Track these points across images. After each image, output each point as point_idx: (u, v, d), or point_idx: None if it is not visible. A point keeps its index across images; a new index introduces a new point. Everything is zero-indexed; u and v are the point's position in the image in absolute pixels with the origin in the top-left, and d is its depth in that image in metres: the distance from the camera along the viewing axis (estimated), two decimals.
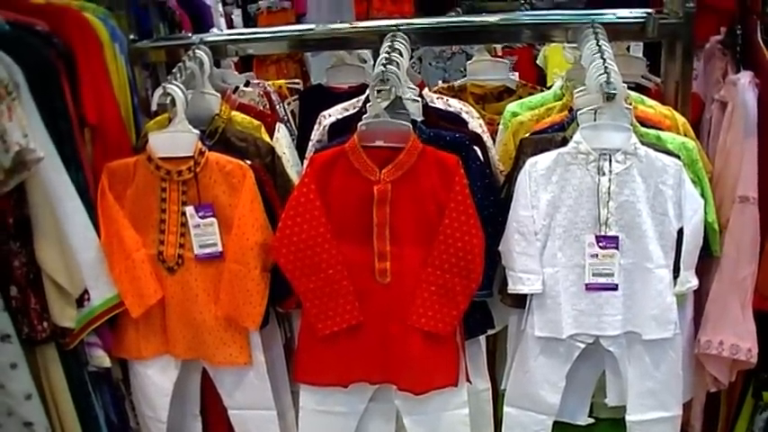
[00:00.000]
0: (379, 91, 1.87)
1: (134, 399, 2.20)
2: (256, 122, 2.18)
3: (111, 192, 2.02)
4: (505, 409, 2.12)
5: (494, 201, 2.02)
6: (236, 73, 2.67)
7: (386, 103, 1.90)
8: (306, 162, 2.05)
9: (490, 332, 2.16)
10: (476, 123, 2.11)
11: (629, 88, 2.03)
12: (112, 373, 2.17)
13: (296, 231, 1.94)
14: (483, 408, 2.18)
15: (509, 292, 1.99)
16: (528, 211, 1.93)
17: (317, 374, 2.07)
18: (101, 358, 2.05)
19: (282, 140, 2.20)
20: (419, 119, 2.02)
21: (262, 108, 2.50)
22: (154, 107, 2.02)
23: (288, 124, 2.53)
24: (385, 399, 2.10)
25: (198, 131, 2.00)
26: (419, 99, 2.02)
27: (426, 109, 2.05)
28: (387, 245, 1.95)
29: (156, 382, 2.14)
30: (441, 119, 2.07)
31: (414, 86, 2.07)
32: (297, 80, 3.27)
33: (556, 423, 2.12)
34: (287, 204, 1.96)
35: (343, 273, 1.96)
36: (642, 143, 1.90)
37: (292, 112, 2.64)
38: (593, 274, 1.93)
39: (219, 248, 2.01)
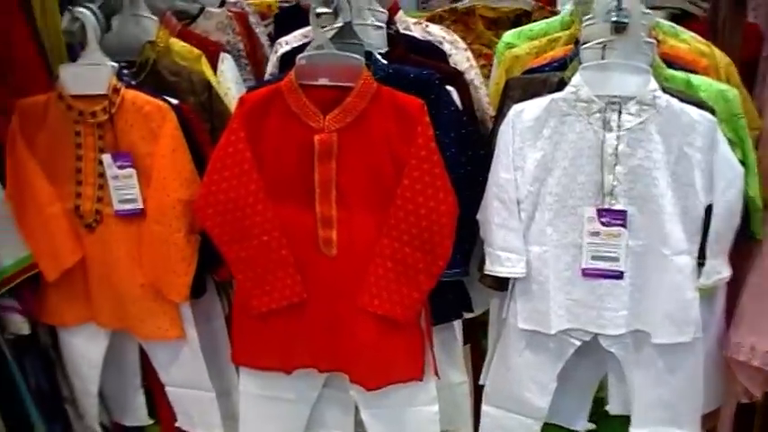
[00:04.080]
0: (318, 14, 1.47)
1: (66, 367, 1.94)
2: (196, 51, 1.80)
3: (23, 135, 1.70)
4: (484, 407, 1.77)
5: (472, 156, 1.60)
6: None
7: (332, 32, 1.50)
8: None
9: (468, 316, 1.77)
10: (461, 56, 1.69)
11: (672, 16, 1.56)
12: (40, 339, 1.91)
13: (223, 188, 1.58)
14: (459, 403, 1.83)
15: (485, 272, 1.60)
16: (509, 173, 1.51)
17: (255, 357, 1.74)
18: (18, 324, 1.78)
19: (228, 74, 1.83)
20: (382, 50, 1.61)
21: (232, 33, 2.12)
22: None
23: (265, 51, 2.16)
24: (342, 386, 1.76)
25: (113, 64, 1.65)
26: (383, 26, 1.61)
27: (394, 38, 1.63)
28: (332, 209, 1.58)
29: (84, 351, 1.87)
30: (414, 50, 1.65)
31: (381, 9, 1.65)
32: None
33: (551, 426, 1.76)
34: (212, 155, 1.60)
35: (280, 240, 1.60)
36: (665, 90, 1.45)
37: (270, 35, 2.25)
38: (593, 257, 1.52)
39: (140, 205, 1.68)
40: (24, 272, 1.74)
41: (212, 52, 1.83)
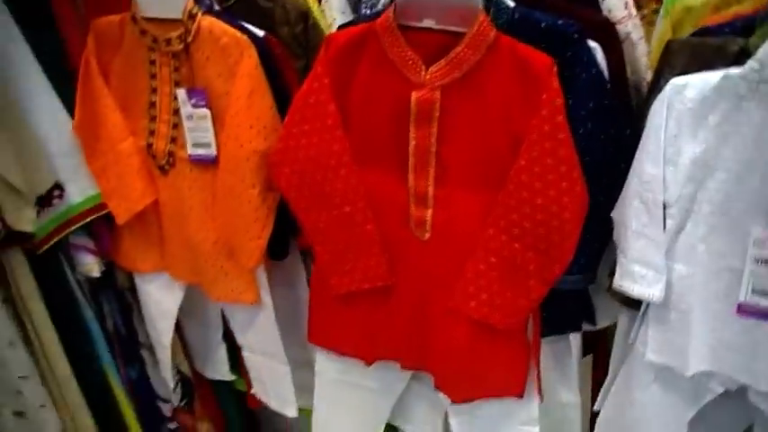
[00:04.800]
0: None
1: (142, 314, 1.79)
2: None
3: (97, 59, 1.50)
4: None
5: (614, 136, 1.23)
6: None
7: None
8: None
9: (588, 329, 1.43)
10: (619, 3, 1.28)
11: None
12: (117, 281, 1.76)
13: (302, 145, 1.31)
14: (569, 427, 1.50)
15: (613, 287, 1.25)
16: (657, 168, 1.13)
17: (333, 340, 1.50)
18: (89, 266, 1.63)
19: (334, 1, 1.52)
20: None
21: None
22: None
23: None
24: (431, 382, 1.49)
25: None
26: None
27: None
28: (429, 184, 1.27)
29: (158, 300, 1.70)
30: None
31: None
32: None
33: None
34: (293, 103, 1.33)
35: (365, 213, 1.32)
36: None
37: None
38: (755, 291, 1.11)
39: (214, 151, 1.44)
40: (94, 211, 1.58)
41: None
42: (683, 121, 1.09)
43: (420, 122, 1.23)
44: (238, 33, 1.34)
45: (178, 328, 1.79)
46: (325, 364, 1.55)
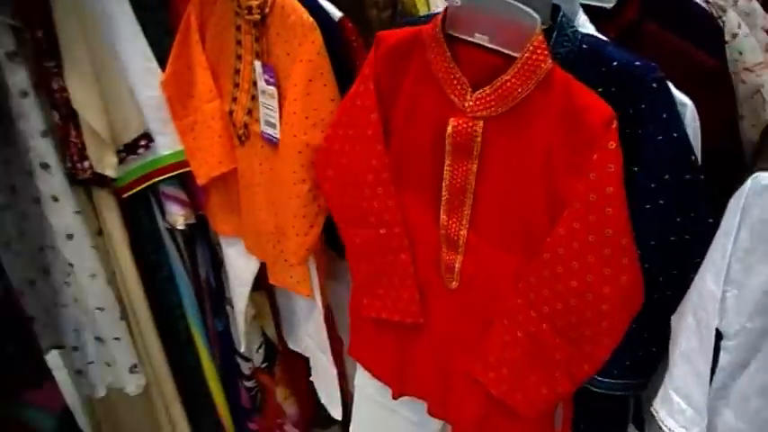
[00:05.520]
0: None
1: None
2: None
3: (198, 17, 1.43)
4: None
5: (694, 221, 0.93)
6: None
7: None
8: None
9: None
10: (749, 43, 0.97)
11: None
12: (210, 234, 1.75)
13: (345, 150, 1.16)
14: None
15: (651, 409, 0.97)
16: (718, 285, 0.84)
17: (369, 359, 1.36)
18: (174, 216, 1.62)
19: None
20: (606, 5, 0.97)
21: None
22: None
23: None
24: None
25: None
26: None
27: None
28: (463, 227, 1.07)
29: (235, 266, 1.66)
30: (660, 16, 0.97)
31: None
32: None
33: None
34: (342, 102, 1.17)
35: (401, 240, 1.15)
36: None
37: None
38: None
39: (278, 134, 1.33)
40: (180, 166, 1.55)
41: None
42: (762, 234, 0.78)
43: (457, 155, 1.02)
44: (305, 14, 1.19)
45: (270, 291, 1.76)
46: (364, 380, 1.42)
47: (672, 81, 0.89)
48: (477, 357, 1.10)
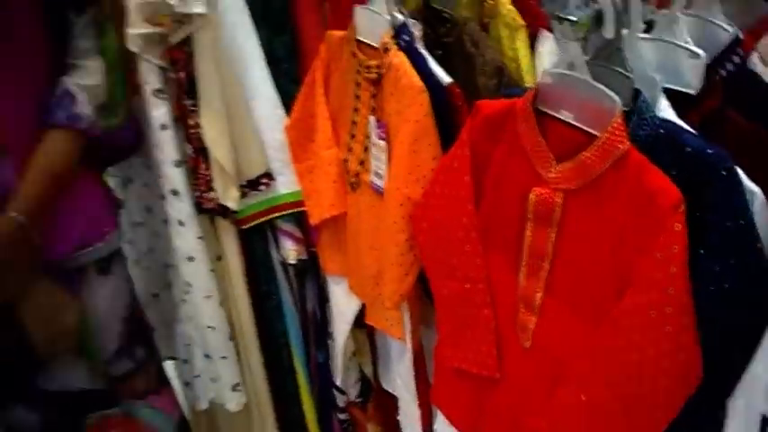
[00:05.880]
0: (571, 22, 0.97)
1: None
2: (520, 21, 1.39)
3: (324, 69, 1.58)
4: None
5: (761, 305, 0.94)
6: None
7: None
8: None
9: None
10: None
11: None
12: (320, 270, 1.87)
13: (440, 205, 1.25)
14: None
15: None
16: (767, 368, 0.85)
17: (448, 405, 1.42)
18: (287, 251, 1.76)
19: (545, 58, 1.37)
20: (691, 90, 1.01)
21: None
22: None
23: None
24: None
25: (393, 15, 1.36)
26: (701, 55, 0.99)
27: (714, 78, 1.00)
28: (539, 289, 1.13)
29: (340, 303, 1.76)
30: (743, 104, 1.00)
31: (725, 25, 1.02)
32: None
33: None
34: (440, 162, 1.26)
35: (485, 296, 1.22)
36: None
37: None
38: None
39: (384, 185, 1.44)
40: (296, 205, 1.69)
41: (534, 27, 1.39)
42: None
43: (538, 221, 1.09)
44: (415, 78, 1.30)
45: (371, 331, 1.86)
46: (443, 426, 1.47)
47: (750, 170, 0.93)
48: (544, 416, 1.14)
